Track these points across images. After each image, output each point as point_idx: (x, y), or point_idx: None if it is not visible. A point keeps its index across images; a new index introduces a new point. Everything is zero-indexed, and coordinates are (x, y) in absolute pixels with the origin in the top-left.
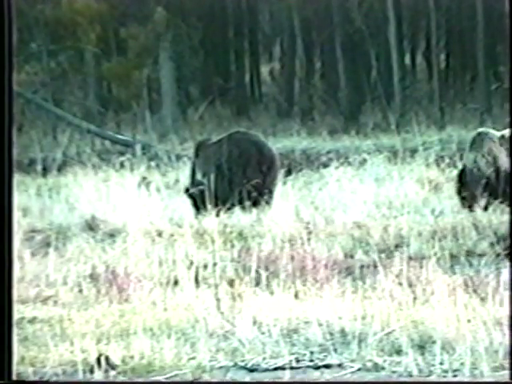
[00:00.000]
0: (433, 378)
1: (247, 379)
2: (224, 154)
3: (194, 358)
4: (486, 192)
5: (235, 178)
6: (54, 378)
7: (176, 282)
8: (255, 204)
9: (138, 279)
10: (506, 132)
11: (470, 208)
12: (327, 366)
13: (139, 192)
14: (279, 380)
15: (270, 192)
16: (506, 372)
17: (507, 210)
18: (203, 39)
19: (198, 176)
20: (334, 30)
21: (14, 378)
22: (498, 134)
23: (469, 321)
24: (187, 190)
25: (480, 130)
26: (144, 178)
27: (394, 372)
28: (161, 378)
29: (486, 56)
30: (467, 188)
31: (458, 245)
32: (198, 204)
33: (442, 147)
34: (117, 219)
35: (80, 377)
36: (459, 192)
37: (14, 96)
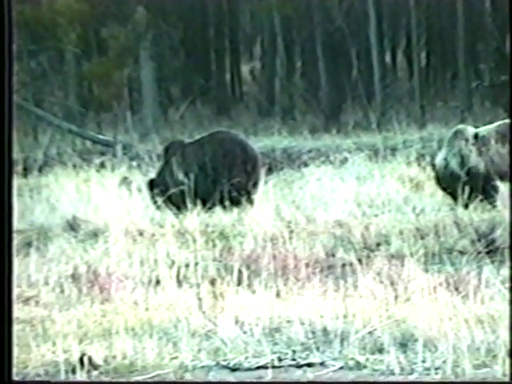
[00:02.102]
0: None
1: (230, 379)
2: (207, 154)
3: (176, 358)
4: (464, 190)
5: (220, 178)
6: (37, 379)
7: (158, 282)
8: (237, 203)
9: (119, 279)
10: (482, 130)
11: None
12: (309, 365)
13: (120, 192)
14: (261, 380)
15: (253, 192)
16: (488, 369)
17: (488, 207)
18: (184, 39)
19: (180, 176)
20: (315, 29)
21: (14, 378)
22: (472, 132)
23: (450, 319)
24: (166, 190)
25: (457, 127)
26: (125, 178)
27: (375, 370)
28: (148, 378)
29: (467, 54)
30: (442, 186)
31: (440, 243)
32: (179, 204)
33: (423, 145)
34: (98, 219)
35: (62, 377)
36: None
37: (13, 97)
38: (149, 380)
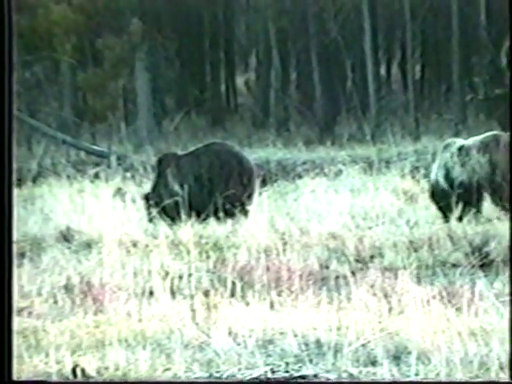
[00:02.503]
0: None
1: None
2: (204, 165)
3: (169, 369)
4: (450, 203)
5: (215, 190)
6: None
7: (151, 293)
8: (232, 215)
9: (113, 290)
10: (468, 142)
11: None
12: (302, 377)
13: (114, 203)
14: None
15: (248, 203)
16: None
17: (482, 220)
18: (179, 50)
19: (175, 187)
20: (310, 41)
21: (14, 378)
22: (459, 144)
23: (444, 331)
24: (160, 202)
25: (447, 141)
26: (119, 189)
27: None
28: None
29: (461, 67)
30: (434, 199)
31: (433, 256)
32: (173, 215)
33: (417, 158)
34: (92, 230)
35: None
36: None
37: (13, 102)
38: (148, 380)
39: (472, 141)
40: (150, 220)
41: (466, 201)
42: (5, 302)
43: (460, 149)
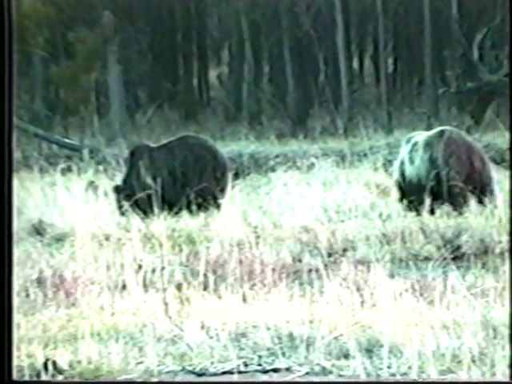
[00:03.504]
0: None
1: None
2: (177, 159)
3: (141, 363)
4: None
5: (188, 183)
6: None
7: (124, 287)
8: (204, 208)
9: (85, 283)
10: (419, 138)
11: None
12: (275, 370)
13: (87, 196)
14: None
15: (220, 197)
16: (453, 375)
17: (454, 214)
18: (151, 43)
19: (147, 180)
20: (283, 34)
21: (15, 378)
22: (414, 140)
23: (416, 325)
24: (133, 195)
25: (409, 135)
26: (91, 182)
27: (341, 376)
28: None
29: (433, 60)
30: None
31: (406, 249)
32: (145, 208)
33: (390, 151)
34: (64, 223)
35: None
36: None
37: (13, 98)
38: (148, 380)
39: (422, 136)
40: (122, 213)
41: (414, 198)
42: (4, 302)
43: (414, 144)
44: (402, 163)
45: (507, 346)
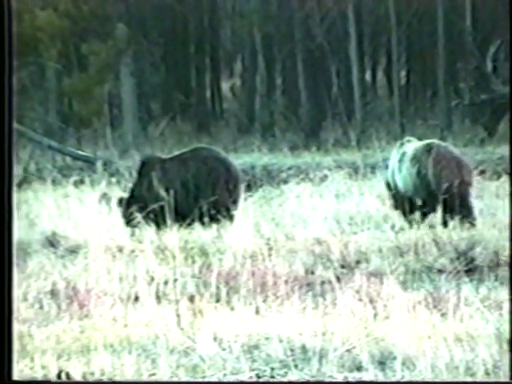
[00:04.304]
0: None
1: None
2: (191, 170)
3: (154, 374)
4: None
5: (201, 195)
6: None
7: (137, 298)
8: (217, 220)
9: (98, 295)
10: (407, 149)
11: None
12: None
13: (100, 208)
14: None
15: (233, 208)
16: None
17: (467, 226)
18: (164, 55)
19: (160, 191)
20: (295, 47)
21: (15, 378)
22: (403, 150)
23: (429, 337)
24: (145, 207)
25: (400, 141)
26: (105, 194)
27: None
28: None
29: (447, 73)
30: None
31: (419, 261)
32: (158, 219)
33: None
34: (77, 235)
35: None
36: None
37: (13, 102)
38: (148, 380)
39: (411, 148)
40: (134, 226)
41: (403, 209)
42: (5, 304)
43: (403, 154)
44: (393, 172)
45: None
